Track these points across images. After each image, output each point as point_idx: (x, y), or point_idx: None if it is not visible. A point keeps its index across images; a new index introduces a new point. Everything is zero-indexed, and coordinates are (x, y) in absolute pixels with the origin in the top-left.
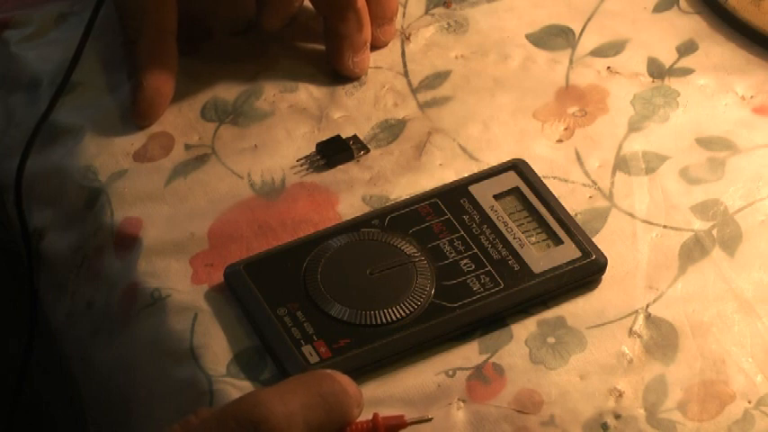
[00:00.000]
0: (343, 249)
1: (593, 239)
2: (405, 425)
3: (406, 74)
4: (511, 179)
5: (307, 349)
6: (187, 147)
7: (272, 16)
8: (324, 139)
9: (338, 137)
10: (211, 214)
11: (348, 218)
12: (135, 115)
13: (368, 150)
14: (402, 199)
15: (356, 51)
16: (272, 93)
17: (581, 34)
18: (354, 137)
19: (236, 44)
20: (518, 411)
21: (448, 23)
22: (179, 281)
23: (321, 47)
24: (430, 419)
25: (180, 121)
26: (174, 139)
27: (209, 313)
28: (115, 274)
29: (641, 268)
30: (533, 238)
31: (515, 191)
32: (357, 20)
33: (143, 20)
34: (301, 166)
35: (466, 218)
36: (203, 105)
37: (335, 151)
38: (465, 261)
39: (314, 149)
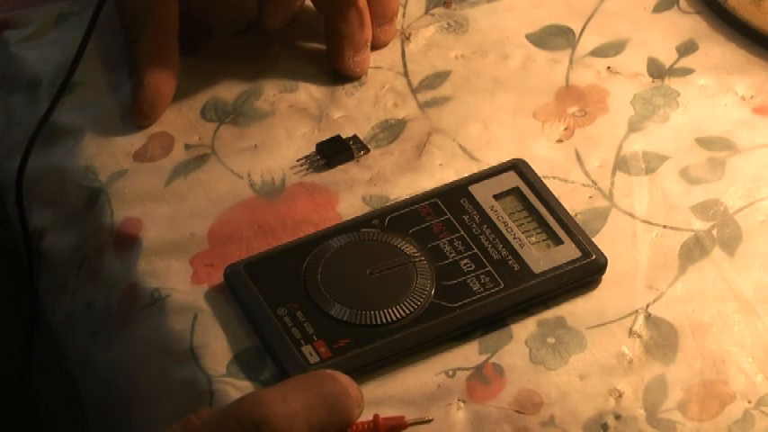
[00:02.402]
0: (343, 249)
1: (594, 239)
2: (405, 426)
3: (406, 74)
4: (511, 179)
5: (307, 349)
6: (187, 147)
7: (274, 15)
8: (324, 139)
9: (338, 137)
10: (211, 214)
11: (348, 218)
12: (135, 115)
13: (368, 150)
14: (402, 199)
15: (357, 51)
16: (272, 93)
17: (581, 34)
18: (354, 137)
19: (236, 44)
20: (518, 412)
21: (448, 23)
22: (179, 281)
23: (321, 47)
24: (430, 420)
25: (180, 121)
26: (174, 139)
27: (209, 313)
28: (115, 274)
29: (641, 268)
30: (533, 238)
31: (515, 191)
32: (358, 19)
33: (144, 19)
34: (301, 166)
35: (466, 218)
36: (203, 105)
37: (335, 151)
38: (465, 261)
39: (314, 149)
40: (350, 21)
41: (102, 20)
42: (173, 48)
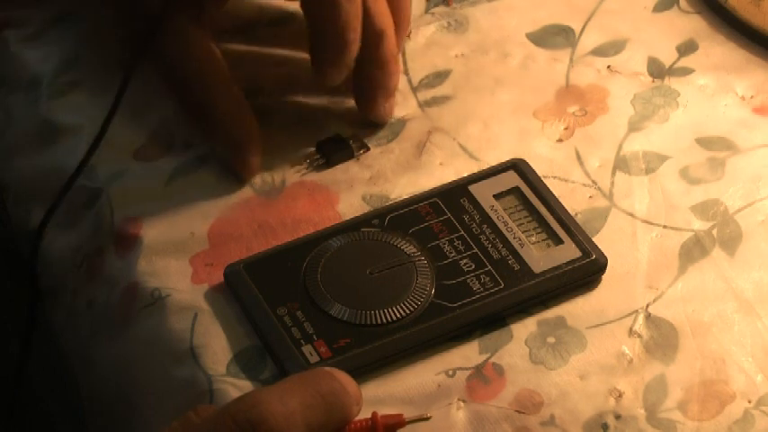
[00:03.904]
0: (343, 249)
1: (594, 239)
2: (403, 424)
3: (406, 72)
4: (511, 179)
5: (307, 349)
6: (187, 146)
7: (332, 70)
8: (328, 129)
9: (338, 136)
10: (211, 214)
11: (348, 217)
12: (246, 174)
13: (368, 148)
14: (402, 198)
15: (388, 97)
16: (272, 92)
17: (581, 33)
18: (354, 135)
19: (236, 44)
20: (518, 412)
21: (448, 22)
22: (179, 280)
23: None
24: (428, 418)
25: (180, 121)
26: (174, 138)
27: (209, 313)
28: (115, 273)
29: (641, 268)
30: (533, 238)
31: (515, 190)
32: (396, 68)
33: (204, 81)
34: (301, 165)
35: (466, 217)
36: None
37: (335, 150)
38: (465, 261)
39: (314, 148)
40: (388, 71)
41: (101, 20)
42: (237, 92)
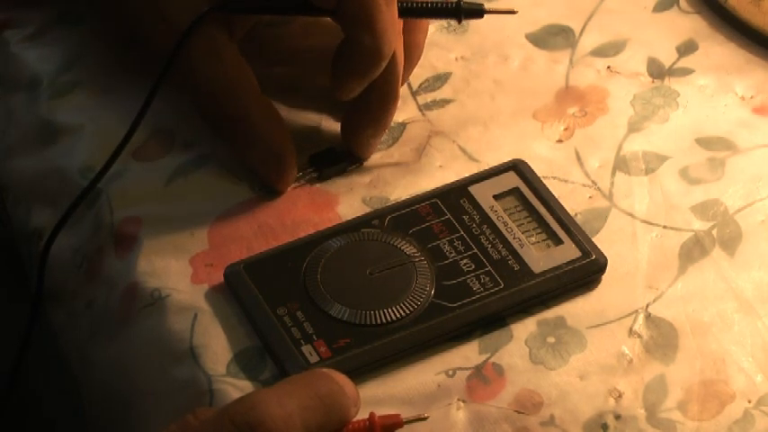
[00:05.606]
0: (343, 249)
1: (593, 239)
2: (401, 424)
3: None
4: (511, 179)
5: (307, 349)
6: (187, 146)
7: (355, 84)
8: (322, 142)
9: (332, 149)
10: (211, 214)
11: (348, 218)
12: (280, 186)
13: (361, 163)
14: (402, 199)
15: (379, 137)
16: (271, 95)
17: (581, 34)
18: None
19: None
20: (518, 412)
21: (448, 23)
22: (179, 281)
23: (321, 48)
24: (426, 418)
25: (180, 121)
26: (175, 138)
27: (209, 313)
28: (115, 273)
29: (641, 268)
30: (533, 238)
31: (515, 191)
32: (395, 110)
33: (235, 95)
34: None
35: (466, 218)
36: None
37: (328, 164)
38: (465, 261)
39: (314, 152)
40: (391, 112)
41: (101, 21)
42: (271, 105)
